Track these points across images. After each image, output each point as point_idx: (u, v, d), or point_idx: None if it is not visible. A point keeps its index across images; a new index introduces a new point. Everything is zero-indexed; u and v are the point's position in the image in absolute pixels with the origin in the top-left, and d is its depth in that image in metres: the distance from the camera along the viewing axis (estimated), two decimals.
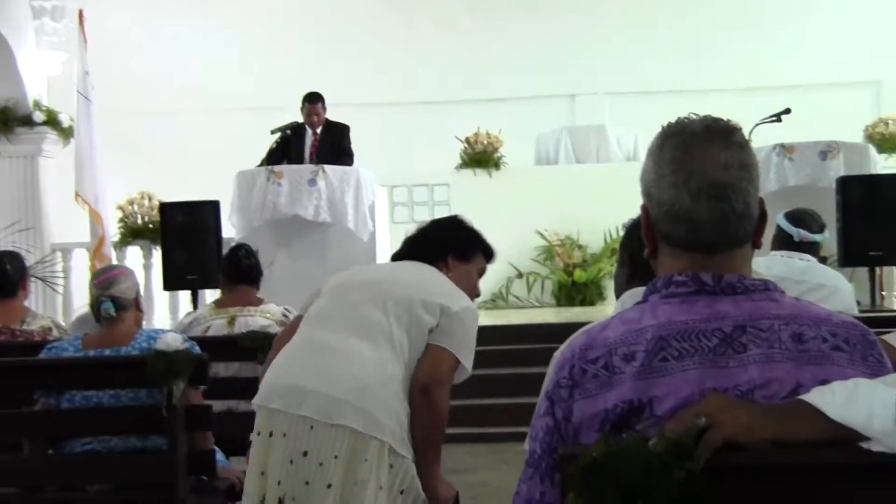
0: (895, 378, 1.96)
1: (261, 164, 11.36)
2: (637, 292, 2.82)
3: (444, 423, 4.10)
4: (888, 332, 3.39)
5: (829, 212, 8.94)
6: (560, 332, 3.90)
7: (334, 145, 11.70)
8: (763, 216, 2.12)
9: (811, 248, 6.06)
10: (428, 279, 4.31)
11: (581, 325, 2.17)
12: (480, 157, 14.60)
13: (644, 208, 2.13)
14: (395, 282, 4.27)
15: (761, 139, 10.69)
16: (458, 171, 14.74)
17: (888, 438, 1.84)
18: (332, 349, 4.07)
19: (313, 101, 11.72)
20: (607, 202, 12.86)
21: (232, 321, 6.33)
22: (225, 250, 7.23)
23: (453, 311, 4.14)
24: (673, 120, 2.12)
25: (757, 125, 10.64)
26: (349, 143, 11.79)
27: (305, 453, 3.90)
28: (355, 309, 4.16)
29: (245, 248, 6.65)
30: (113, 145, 14.05)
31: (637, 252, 2.98)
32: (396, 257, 4.57)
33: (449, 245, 4.49)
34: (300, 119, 11.79)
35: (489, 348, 8.39)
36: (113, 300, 4.88)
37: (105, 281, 4.94)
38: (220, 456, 5.25)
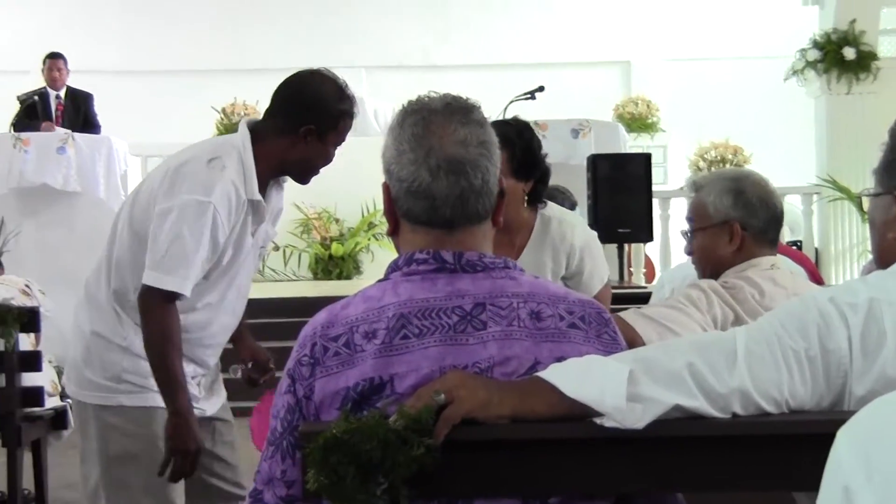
0: (627, 355, 2.03)
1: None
2: None
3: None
4: (628, 309, 3.50)
5: (580, 189, 9.15)
6: (317, 305, 3.83)
7: (79, 114, 11.50)
8: (502, 194, 2.15)
9: None
10: None
11: (338, 298, 2.16)
12: (237, 127, 14.40)
13: (385, 186, 2.14)
14: None
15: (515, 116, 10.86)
16: None
17: (619, 414, 1.90)
18: None
19: (54, 57, 11.70)
20: (364, 176, 12.78)
21: None
22: None
23: None
24: (413, 98, 2.13)
25: (511, 102, 10.80)
26: (94, 113, 11.72)
27: None
28: None
29: None
30: None
31: None
32: None
33: None
34: (45, 84, 11.65)
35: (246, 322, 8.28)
36: None
37: None
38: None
